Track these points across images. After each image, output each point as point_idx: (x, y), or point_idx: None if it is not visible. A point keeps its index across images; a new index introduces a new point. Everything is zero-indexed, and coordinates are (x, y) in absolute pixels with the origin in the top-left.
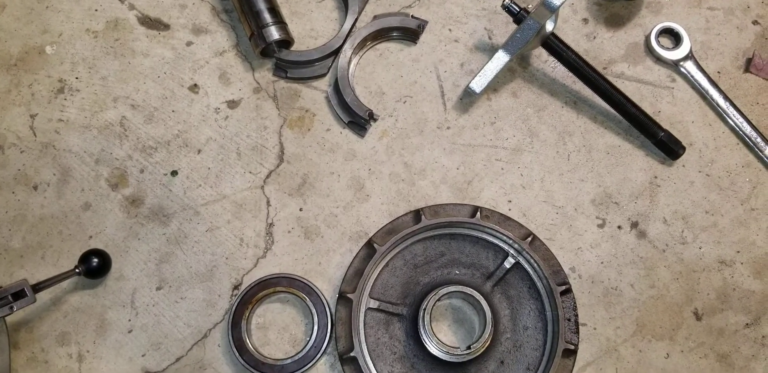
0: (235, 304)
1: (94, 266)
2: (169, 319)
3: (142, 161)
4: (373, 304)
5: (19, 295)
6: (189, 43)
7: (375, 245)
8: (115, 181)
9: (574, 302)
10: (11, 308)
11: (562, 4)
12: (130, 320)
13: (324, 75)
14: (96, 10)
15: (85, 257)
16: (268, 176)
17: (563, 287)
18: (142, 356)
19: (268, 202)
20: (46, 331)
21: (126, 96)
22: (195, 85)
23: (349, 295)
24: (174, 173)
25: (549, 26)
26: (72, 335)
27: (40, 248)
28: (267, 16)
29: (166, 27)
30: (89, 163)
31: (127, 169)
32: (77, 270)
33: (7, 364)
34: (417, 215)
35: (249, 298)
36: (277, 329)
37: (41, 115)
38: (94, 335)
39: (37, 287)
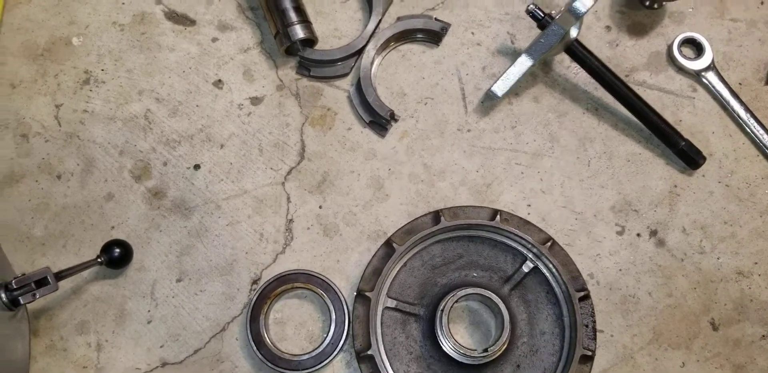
0: (254, 298)
1: (116, 256)
2: (188, 311)
3: (165, 154)
4: (391, 303)
5: (41, 282)
6: (214, 39)
7: (394, 245)
8: (139, 173)
9: (592, 309)
10: (33, 295)
11: (588, 11)
12: (149, 311)
13: (347, 74)
14: (123, 4)
15: (108, 247)
16: (288, 173)
17: (582, 293)
18: (161, 347)
19: (288, 198)
20: (65, 319)
21: (151, 89)
22: (219, 80)
23: (367, 293)
24: (197, 167)
25: (573, 33)
26: (91, 324)
27: (62, 237)
28: (292, 15)
29: (192, 22)
30: (113, 155)
31: (151, 161)
32: (99, 260)
33: (27, 351)
34: (436, 216)
35: (268, 293)
36: (295, 324)
37: (66, 106)
38: (113, 325)
39: (60, 275)
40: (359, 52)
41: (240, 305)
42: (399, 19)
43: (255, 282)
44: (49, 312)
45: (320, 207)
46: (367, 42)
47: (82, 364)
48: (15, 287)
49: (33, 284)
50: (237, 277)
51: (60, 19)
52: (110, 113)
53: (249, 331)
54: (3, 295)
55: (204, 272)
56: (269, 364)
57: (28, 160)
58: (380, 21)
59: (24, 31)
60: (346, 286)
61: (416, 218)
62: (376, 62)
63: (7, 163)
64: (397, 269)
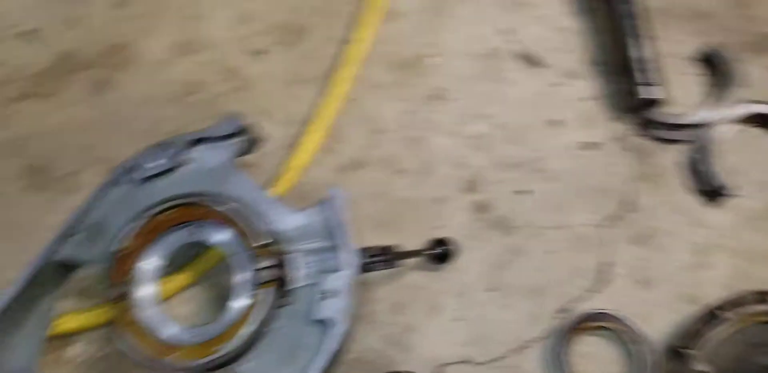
0: (561, 327)
1: (444, 252)
2: (493, 320)
3: (496, 175)
4: (704, 367)
5: (386, 258)
6: (558, 84)
7: (716, 312)
8: (468, 186)
9: None
10: (379, 266)
11: None
12: (457, 310)
13: (686, 141)
14: (480, 37)
15: (439, 242)
16: (609, 220)
17: None
18: (462, 345)
19: (605, 243)
20: (382, 296)
21: (491, 116)
22: (556, 121)
23: (680, 351)
24: (523, 193)
25: None
26: (405, 307)
27: (389, 225)
28: (644, 75)
29: (540, 65)
30: (448, 165)
31: (481, 178)
32: (437, 250)
33: (353, 315)
34: (763, 295)
35: (575, 325)
36: (595, 362)
37: (415, 114)
38: (423, 314)
39: (404, 256)
40: (703, 123)
41: (543, 329)
42: (748, 101)
43: (562, 311)
44: (368, 286)
45: (636, 258)
46: (713, 115)
47: (389, 340)
48: (370, 254)
49: (379, 257)
50: (544, 302)
51: (424, 40)
52: (452, 129)
53: (551, 356)
54: (361, 258)
55: (514, 288)
56: None
57: (374, 151)
58: (730, 100)
59: (393, 43)
60: (653, 339)
61: (742, 292)
62: (718, 136)
63: (357, 151)
64: (715, 335)
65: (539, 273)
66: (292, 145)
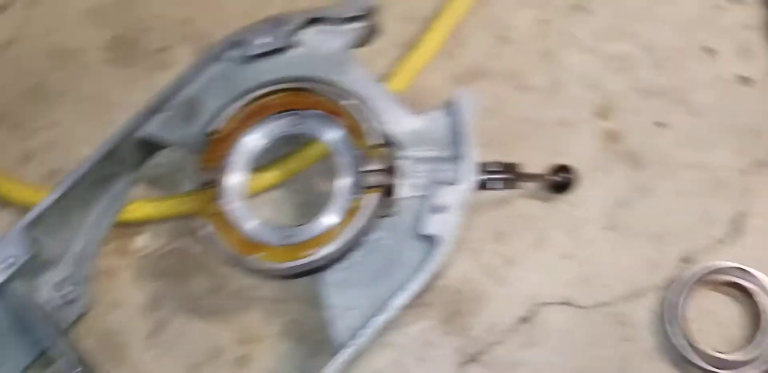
0: (683, 278)
1: (565, 181)
2: (605, 262)
3: (632, 102)
4: None
5: (510, 176)
6: (717, 7)
7: None
8: (600, 111)
9: None
10: (496, 184)
11: None
12: (567, 247)
13: None
14: None
15: (559, 169)
16: (756, 165)
17: None
18: (566, 285)
19: (747, 190)
20: (484, 223)
21: (638, 35)
22: (711, 49)
23: None
24: (661, 125)
25: None
26: (508, 237)
27: (503, 145)
28: None
29: None
30: (581, 86)
31: (616, 104)
32: (559, 178)
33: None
34: None
35: (700, 278)
36: (714, 322)
37: (551, 24)
38: (528, 247)
39: (525, 178)
40: None
41: (661, 278)
42: None
43: (685, 261)
44: (471, 208)
45: None
46: None
47: (487, 270)
48: (489, 170)
49: (499, 175)
50: (667, 248)
51: None
52: (591, 46)
53: (667, 308)
54: (479, 173)
55: (635, 230)
56: (681, 350)
57: (498, 62)
58: None
59: None
60: None
61: None
62: None
63: (478, 59)
64: None
65: (666, 216)
66: (408, 44)
